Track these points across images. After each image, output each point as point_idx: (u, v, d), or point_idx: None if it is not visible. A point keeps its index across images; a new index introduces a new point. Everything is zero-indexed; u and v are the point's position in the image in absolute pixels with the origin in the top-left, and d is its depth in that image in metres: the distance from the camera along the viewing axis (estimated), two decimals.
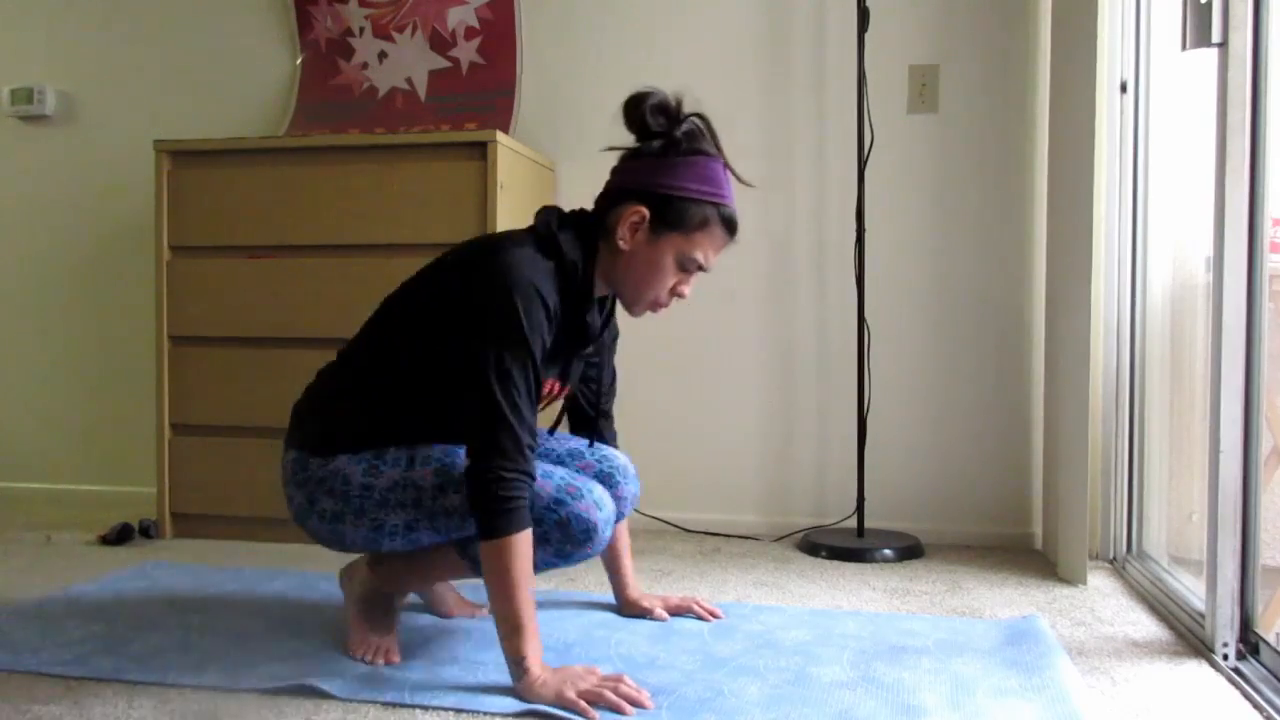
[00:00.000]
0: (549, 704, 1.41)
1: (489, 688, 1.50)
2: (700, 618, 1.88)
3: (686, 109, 1.65)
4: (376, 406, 1.63)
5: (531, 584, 1.47)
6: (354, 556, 1.89)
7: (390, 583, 1.75)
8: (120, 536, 2.55)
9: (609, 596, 1.98)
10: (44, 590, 2.08)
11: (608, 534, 1.60)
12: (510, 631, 1.46)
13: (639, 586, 1.94)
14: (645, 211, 1.58)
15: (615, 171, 1.64)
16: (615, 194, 1.61)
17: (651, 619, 1.87)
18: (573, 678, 1.45)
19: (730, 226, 1.65)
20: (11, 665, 1.60)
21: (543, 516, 1.55)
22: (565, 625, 1.82)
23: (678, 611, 1.90)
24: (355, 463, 1.61)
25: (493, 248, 1.57)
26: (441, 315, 1.59)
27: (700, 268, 1.63)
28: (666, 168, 1.60)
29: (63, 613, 1.90)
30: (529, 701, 1.43)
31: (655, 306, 1.65)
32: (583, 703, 1.40)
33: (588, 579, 2.21)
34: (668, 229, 1.58)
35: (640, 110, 1.60)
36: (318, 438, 1.65)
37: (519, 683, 1.46)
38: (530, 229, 1.62)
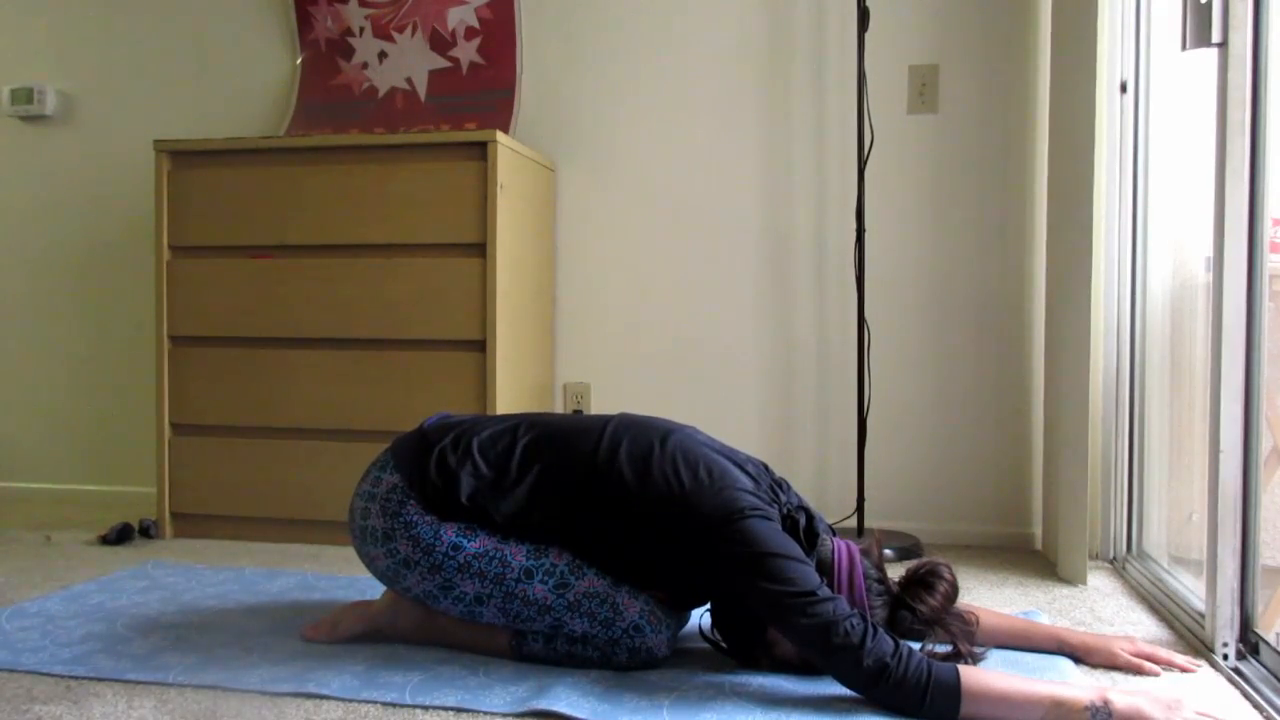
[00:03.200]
0: None
1: (489, 688, 1.50)
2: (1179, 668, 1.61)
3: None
4: (533, 525, 1.59)
5: (994, 680, 1.36)
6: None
7: (411, 618, 1.71)
8: (120, 536, 2.55)
9: None
10: (44, 590, 2.08)
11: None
12: (1050, 714, 1.31)
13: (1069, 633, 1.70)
14: None
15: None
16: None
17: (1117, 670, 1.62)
18: (1166, 704, 1.32)
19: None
20: (11, 665, 1.60)
21: (619, 638, 1.55)
22: None
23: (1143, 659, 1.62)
24: (449, 523, 1.59)
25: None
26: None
27: None
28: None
29: (63, 613, 1.90)
30: None
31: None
32: None
33: None
34: None
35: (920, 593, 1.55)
36: (437, 494, 1.60)
37: None
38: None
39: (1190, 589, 1.95)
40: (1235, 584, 1.62)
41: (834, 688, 1.45)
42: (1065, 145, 2.27)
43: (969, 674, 1.36)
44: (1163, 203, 2.31)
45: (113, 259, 3.14)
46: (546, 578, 1.56)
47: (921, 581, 1.57)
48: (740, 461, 1.63)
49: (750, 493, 1.54)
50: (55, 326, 3.19)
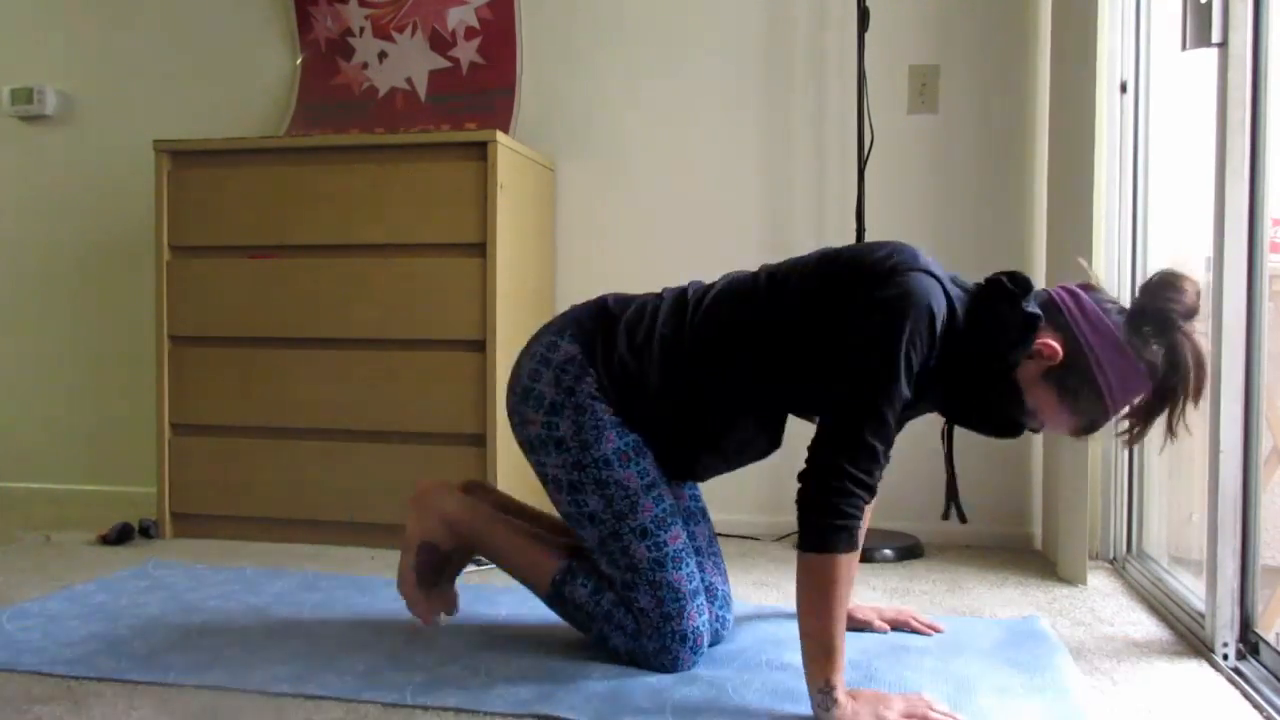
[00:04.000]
0: None
1: (490, 688, 1.50)
2: (918, 631, 1.77)
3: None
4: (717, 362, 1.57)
5: (846, 607, 1.38)
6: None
7: (466, 525, 1.70)
8: (120, 536, 2.55)
9: None
10: (44, 590, 2.08)
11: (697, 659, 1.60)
12: (821, 653, 1.35)
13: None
14: (1060, 353, 1.42)
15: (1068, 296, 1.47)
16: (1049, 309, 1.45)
17: (871, 631, 1.78)
18: (882, 702, 1.35)
19: (1088, 429, 1.48)
20: (12, 665, 1.60)
21: (665, 631, 1.55)
22: (566, 626, 1.82)
23: (894, 624, 1.79)
24: (619, 430, 1.58)
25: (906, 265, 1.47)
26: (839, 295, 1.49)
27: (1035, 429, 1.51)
28: (1115, 343, 1.40)
29: (63, 613, 1.90)
30: None
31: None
32: None
33: None
34: (1057, 383, 1.43)
35: (1167, 294, 1.39)
36: (623, 370, 1.57)
37: (827, 713, 1.34)
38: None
39: (1190, 589, 1.95)
40: (1235, 584, 1.63)
41: None
42: (1065, 145, 2.27)
43: (848, 571, 1.36)
44: (1163, 203, 2.31)
45: (113, 259, 3.14)
46: (656, 548, 1.56)
47: (1165, 283, 1.41)
48: None
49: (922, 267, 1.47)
50: (55, 326, 3.19)
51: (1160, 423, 1.38)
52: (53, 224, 3.18)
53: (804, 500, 1.39)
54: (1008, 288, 1.50)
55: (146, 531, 2.61)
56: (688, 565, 1.60)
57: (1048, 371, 1.43)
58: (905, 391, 1.40)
